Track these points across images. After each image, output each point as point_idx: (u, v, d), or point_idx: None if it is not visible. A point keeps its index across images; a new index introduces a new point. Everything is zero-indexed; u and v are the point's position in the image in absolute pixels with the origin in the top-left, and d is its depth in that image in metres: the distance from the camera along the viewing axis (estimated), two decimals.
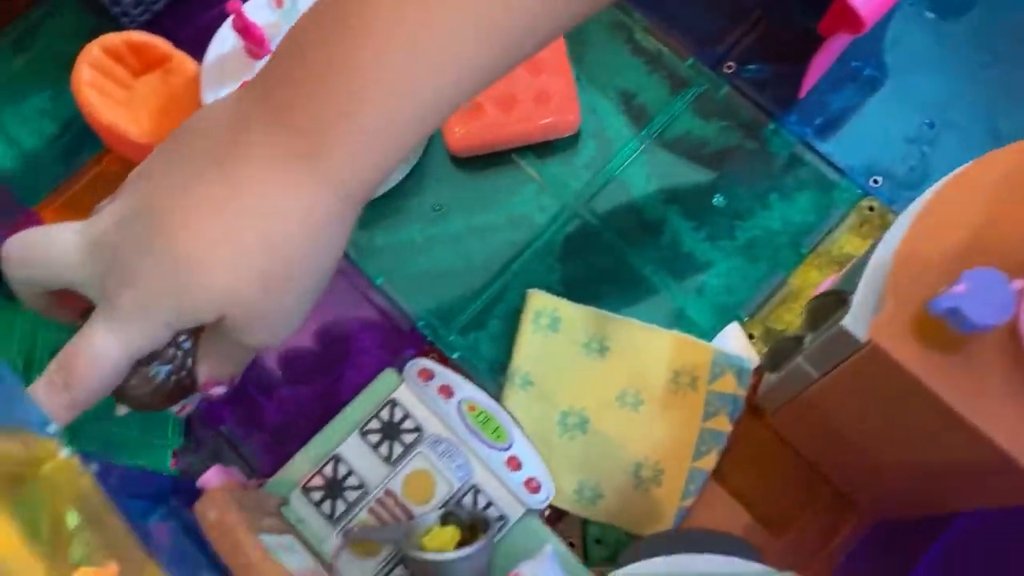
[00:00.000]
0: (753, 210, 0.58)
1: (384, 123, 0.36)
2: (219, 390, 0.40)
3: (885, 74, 0.60)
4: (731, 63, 0.61)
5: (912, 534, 0.51)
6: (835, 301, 0.40)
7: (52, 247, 0.37)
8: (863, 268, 0.38)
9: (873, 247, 0.40)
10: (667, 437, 0.53)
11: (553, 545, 0.45)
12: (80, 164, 0.62)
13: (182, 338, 0.40)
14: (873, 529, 0.52)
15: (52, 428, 0.33)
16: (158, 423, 0.54)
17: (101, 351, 0.35)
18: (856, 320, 0.37)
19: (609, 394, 0.55)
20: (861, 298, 0.37)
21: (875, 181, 0.58)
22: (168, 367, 0.39)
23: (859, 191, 0.58)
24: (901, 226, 0.38)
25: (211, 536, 0.38)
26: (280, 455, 0.51)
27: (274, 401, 0.55)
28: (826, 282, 0.52)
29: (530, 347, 0.55)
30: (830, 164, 0.59)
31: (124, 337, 0.35)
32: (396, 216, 0.60)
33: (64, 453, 0.32)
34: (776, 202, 0.58)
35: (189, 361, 0.40)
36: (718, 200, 0.59)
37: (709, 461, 0.53)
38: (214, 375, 0.40)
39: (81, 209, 0.60)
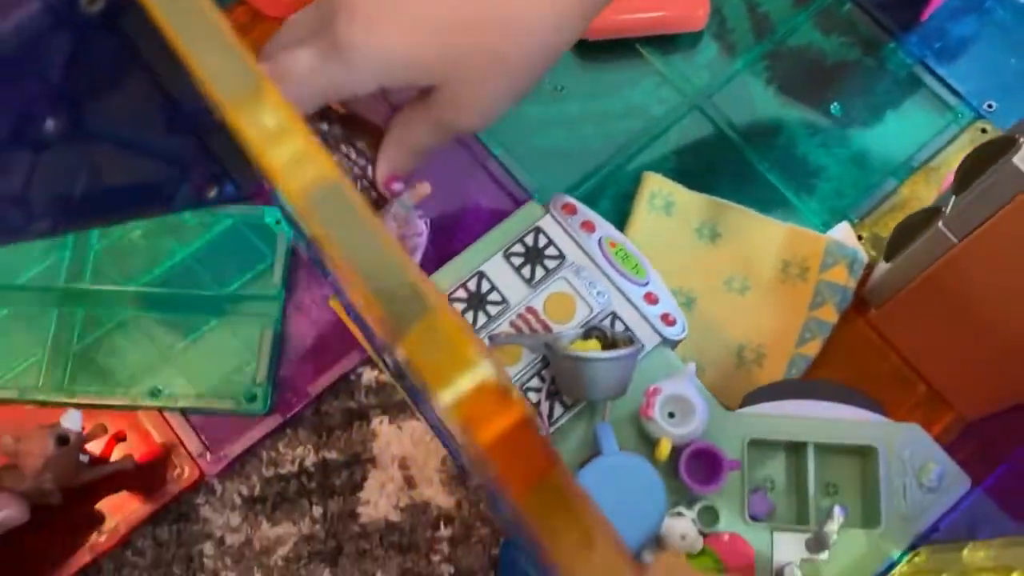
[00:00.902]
0: (868, 122, 0.60)
1: None
2: (398, 186, 0.41)
3: (1006, 7, 0.62)
4: None
5: (1001, 434, 0.52)
6: (998, 149, 0.41)
7: None
8: None
9: None
10: (772, 323, 0.55)
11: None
12: None
13: (359, 145, 0.41)
14: (965, 429, 0.53)
15: None
16: None
17: (304, 74, 0.36)
18: None
19: (717, 278, 0.56)
20: None
21: (989, 106, 0.59)
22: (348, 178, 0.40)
23: (973, 114, 0.59)
24: None
25: None
26: None
27: None
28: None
29: (642, 226, 0.56)
30: (946, 86, 0.60)
31: (331, 70, 0.36)
32: None
33: None
34: (891, 117, 0.60)
35: (369, 169, 0.41)
36: (835, 109, 0.60)
37: (812, 348, 0.54)
38: (394, 168, 0.40)
39: None
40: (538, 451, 0.16)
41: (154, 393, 0.54)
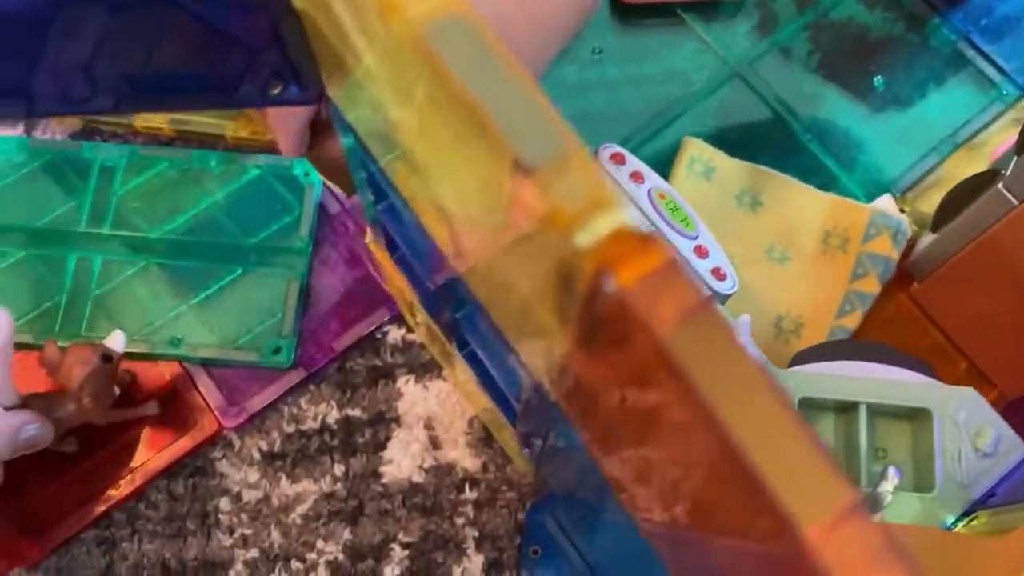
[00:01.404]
0: (911, 98, 0.59)
1: None
2: None
3: None
4: None
5: None
6: None
7: None
8: None
9: None
10: (811, 294, 0.53)
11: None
12: None
13: None
14: (1006, 407, 0.52)
15: None
16: None
17: None
18: None
19: (757, 247, 0.55)
20: None
21: None
22: None
23: (1018, 92, 0.58)
24: None
25: None
26: None
27: None
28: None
29: (681, 191, 0.55)
30: (991, 62, 0.59)
31: None
32: None
33: None
34: (934, 93, 0.59)
35: None
36: (878, 82, 0.59)
37: (853, 320, 0.53)
38: None
39: None
40: (689, 290, 0.15)
41: (174, 342, 0.53)
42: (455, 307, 0.35)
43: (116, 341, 0.48)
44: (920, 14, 0.61)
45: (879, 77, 0.59)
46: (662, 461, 0.20)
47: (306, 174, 0.56)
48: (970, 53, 0.60)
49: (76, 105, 0.24)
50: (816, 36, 0.60)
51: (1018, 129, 0.57)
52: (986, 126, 0.58)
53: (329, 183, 0.55)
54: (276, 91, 0.29)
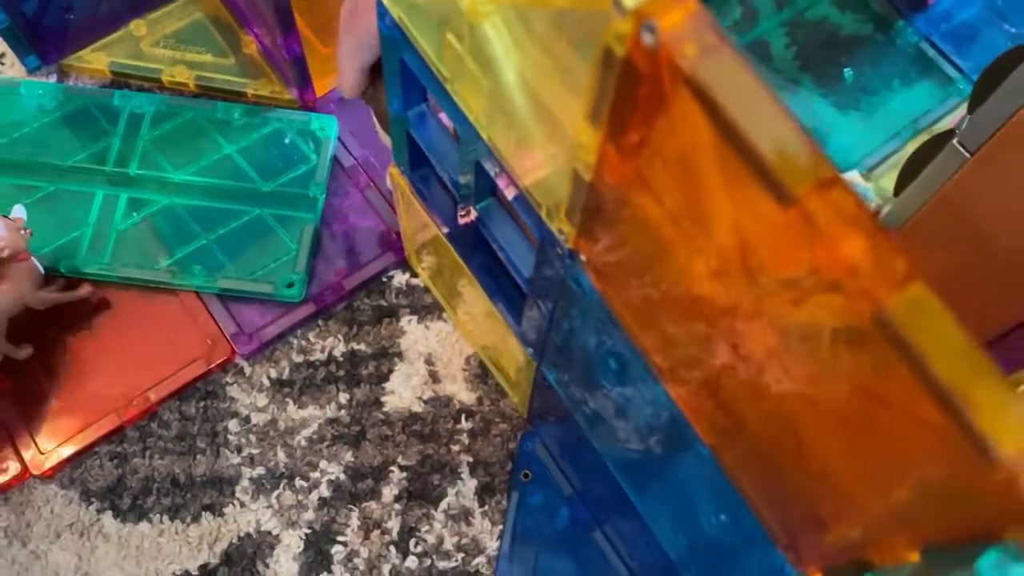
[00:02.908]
0: (877, 89, 0.64)
1: None
2: None
3: (1010, 2, 0.68)
4: None
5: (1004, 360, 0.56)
6: (1012, 62, 0.45)
7: None
8: None
9: None
10: None
11: None
12: None
13: None
14: None
15: None
16: None
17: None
18: None
19: None
20: None
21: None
22: None
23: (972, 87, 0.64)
24: None
25: None
26: None
27: None
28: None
29: None
30: (949, 61, 0.65)
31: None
32: None
33: None
34: (899, 86, 0.65)
35: None
36: (847, 75, 0.65)
37: None
38: None
39: None
40: (716, 32, 0.19)
41: (194, 272, 0.56)
42: (478, 194, 0.39)
43: (17, 211, 0.51)
44: (887, 16, 0.67)
45: (848, 70, 0.65)
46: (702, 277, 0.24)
47: (322, 129, 0.60)
48: (931, 53, 0.66)
49: None
50: (793, 32, 0.66)
51: None
52: (945, 115, 0.64)
53: (380, 128, 0.59)
54: None
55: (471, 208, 0.40)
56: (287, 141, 0.60)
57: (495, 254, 0.45)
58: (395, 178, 0.48)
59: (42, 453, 0.53)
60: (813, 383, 0.23)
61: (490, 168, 0.35)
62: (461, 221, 0.42)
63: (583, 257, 0.31)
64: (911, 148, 0.62)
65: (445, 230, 0.47)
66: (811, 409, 0.24)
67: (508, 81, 0.29)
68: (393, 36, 0.36)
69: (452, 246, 0.47)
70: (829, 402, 0.23)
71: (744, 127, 0.19)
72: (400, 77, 0.38)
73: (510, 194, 0.35)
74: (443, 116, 0.43)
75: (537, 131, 0.30)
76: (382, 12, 0.35)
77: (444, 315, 0.58)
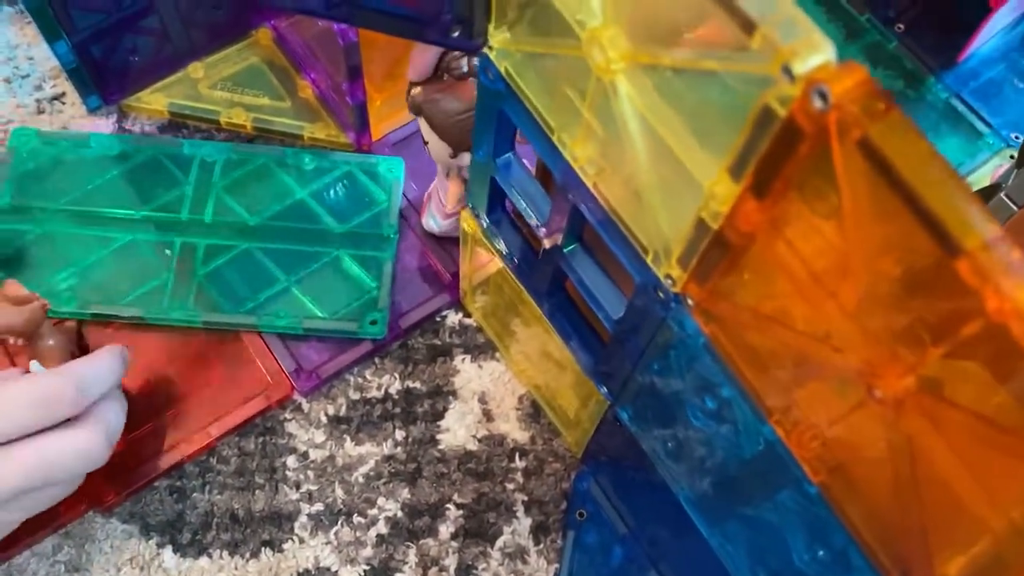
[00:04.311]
0: None
1: None
2: None
3: None
4: (901, 24, 0.71)
5: None
6: None
7: None
8: None
9: None
10: None
11: None
12: None
13: None
14: None
15: None
16: None
17: None
18: None
19: None
20: None
21: (1016, 136, 0.67)
22: None
23: (1002, 143, 0.67)
24: None
25: None
26: None
27: None
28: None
29: None
30: (979, 117, 0.68)
31: None
32: None
33: None
34: (931, 139, 0.67)
35: None
36: None
37: None
38: None
39: None
40: (885, 99, 0.21)
41: (279, 315, 0.57)
42: (565, 241, 0.40)
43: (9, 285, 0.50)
44: (918, 73, 0.70)
45: None
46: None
47: (390, 170, 0.62)
48: (961, 108, 0.68)
49: (326, 10, 0.30)
50: None
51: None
52: (977, 167, 0.66)
53: (433, 137, 0.59)
54: (455, 34, 0.35)
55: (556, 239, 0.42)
56: (357, 183, 0.62)
57: (570, 297, 0.46)
58: (467, 220, 0.50)
59: (102, 486, 0.53)
60: (947, 424, 0.24)
61: (587, 213, 0.37)
62: (544, 247, 0.43)
63: (690, 301, 0.33)
64: None
65: (518, 272, 0.48)
66: (941, 447, 0.25)
67: (631, 131, 0.30)
68: (496, 88, 0.37)
69: (525, 288, 0.48)
70: (962, 440, 0.24)
71: (916, 184, 0.20)
72: (495, 126, 0.40)
73: (607, 238, 0.36)
74: (526, 162, 0.44)
75: (653, 180, 0.31)
76: (485, 65, 0.37)
77: (497, 354, 0.59)
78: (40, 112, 0.65)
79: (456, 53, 0.45)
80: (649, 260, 0.34)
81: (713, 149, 0.27)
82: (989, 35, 0.70)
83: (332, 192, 0.61)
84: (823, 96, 0.21)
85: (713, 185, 0.27)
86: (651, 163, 0.31)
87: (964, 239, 0.20)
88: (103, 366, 0.48)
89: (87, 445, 0.46)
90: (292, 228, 0.60)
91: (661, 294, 0.34)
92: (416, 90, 0.50)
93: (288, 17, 0.64)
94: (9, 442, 0.43)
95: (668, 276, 0.33)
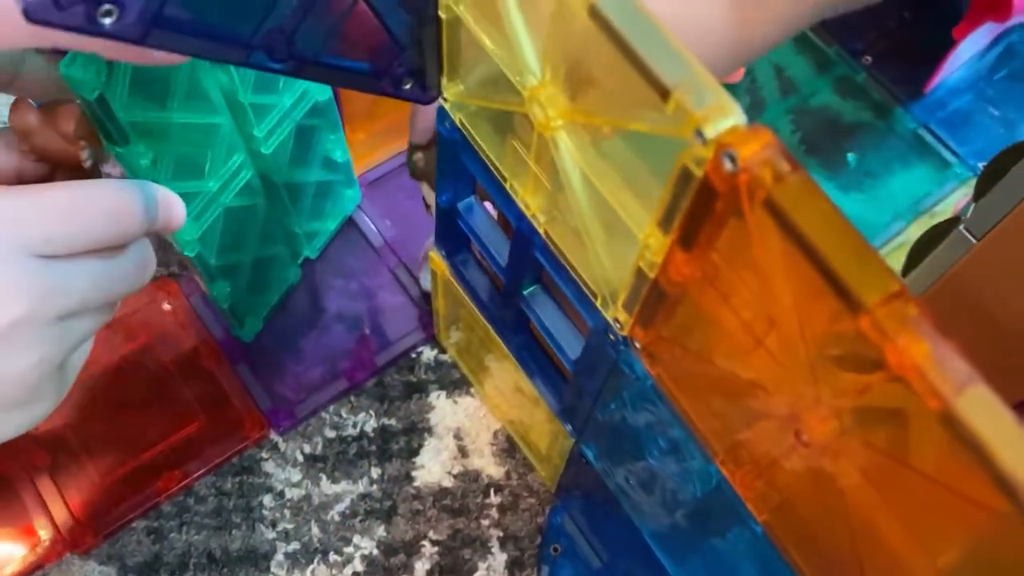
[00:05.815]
0: (879, 173, 0.68)
1: None
2: None
3: (995, 87, 0.72)
4: (868, 56, 0.72)
5: None
6: (1016, 156, 0.49)
7: None
8: None
9: None
10: None
11: None
12: None
13: None
14: None
15: None
16: None
17: None
18: None
19: None
20: None
21: (982, 165, 0.68)
22: None
23: (969, 172, 0.68)
24: None
25: None
26: None
27: None
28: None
29: None
30: (946, 146, 0.69)
31: None
32: None
33: None
34: (899, 169, 0.68)
35: None
36: (851, 159, 0.68)
37: None
38: None
39: None
40: (789, 160, 0.22)
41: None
42: (524, 283, 0.41)
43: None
44: (886, 104, 0.71)
45: (852, 154, 0.68)
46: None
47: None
48: (929, 138, 0.69)
49: (271, 63, 0.31)
50: (798, 119, 0.70)
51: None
52: (944, 197, 0.67)
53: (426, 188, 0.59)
54: (407, 87, 0.36)
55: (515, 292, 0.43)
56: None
57: (535, 335, 0.47)
58: (435, 262, 0.51)
59: (79, 528, 0.54)
60: (870, 467, 0.25)
61: (542, 259, 0.38)
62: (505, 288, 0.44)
63: (637, 344, 0.34)
64: (914, 228, 0.66)
65: (484, 311, 0.49)
66: (866, 489, 0.26)
67: (572, 183, 0.31)
68: (453, 138, 0.38)
69: (491, 327, 0.49)
70: (884, 483, 0.25)
71: (818, 244, 0.21)
72: (454, 173, 0.41)
73: (560, 283, 0.37)
74: (488, 206, 0.45)
75: (597, 229, 0.32)
76: (443, 115, 0.38)
77: (472, 390, 0.60)
78: None
79: None
80: (599, 304, 0.35)
81: (646, 202, 0.28)
82: (955, 66, 0.71)
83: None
84: (732, 159, 0.22)
85: (647, 237, 0.28)
86: (593, 213, 0.32)
87: (864, 296, 0.21)
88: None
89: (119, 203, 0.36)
90: None
91: (611, 336, 0.35)
92: (418, 155, 0.48)
93: None
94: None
95: (616, 320, 0.34)
